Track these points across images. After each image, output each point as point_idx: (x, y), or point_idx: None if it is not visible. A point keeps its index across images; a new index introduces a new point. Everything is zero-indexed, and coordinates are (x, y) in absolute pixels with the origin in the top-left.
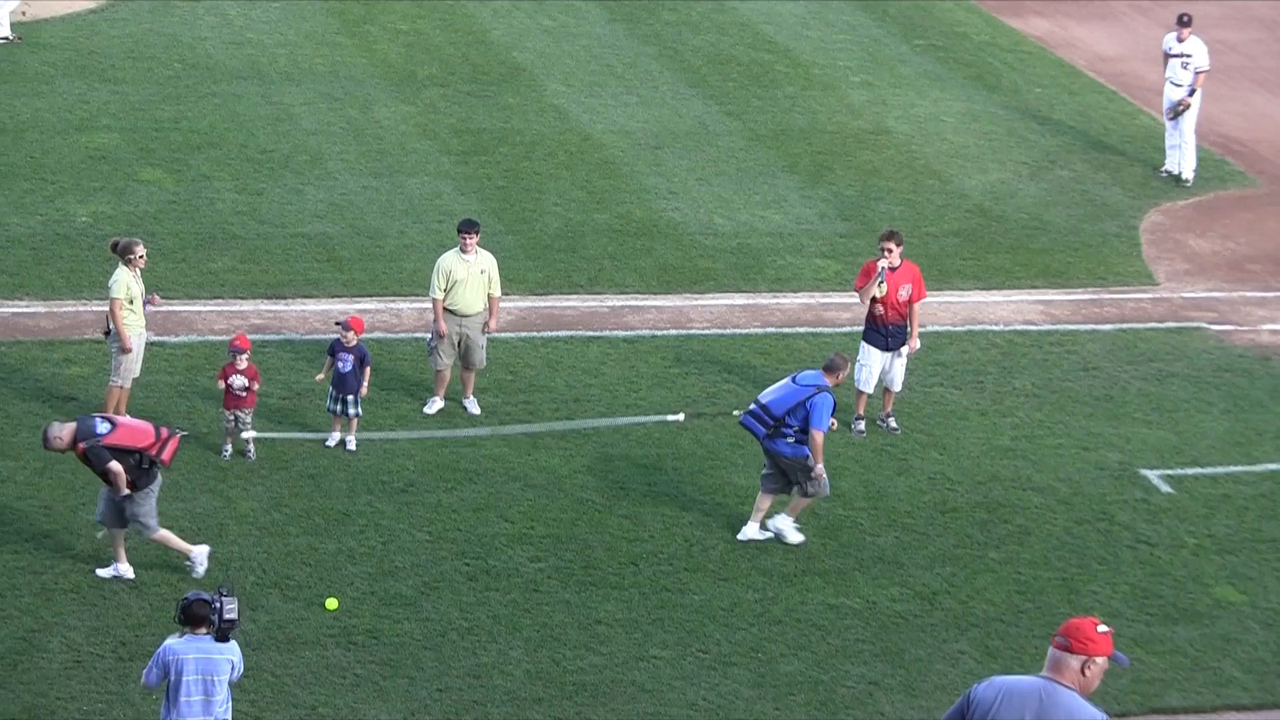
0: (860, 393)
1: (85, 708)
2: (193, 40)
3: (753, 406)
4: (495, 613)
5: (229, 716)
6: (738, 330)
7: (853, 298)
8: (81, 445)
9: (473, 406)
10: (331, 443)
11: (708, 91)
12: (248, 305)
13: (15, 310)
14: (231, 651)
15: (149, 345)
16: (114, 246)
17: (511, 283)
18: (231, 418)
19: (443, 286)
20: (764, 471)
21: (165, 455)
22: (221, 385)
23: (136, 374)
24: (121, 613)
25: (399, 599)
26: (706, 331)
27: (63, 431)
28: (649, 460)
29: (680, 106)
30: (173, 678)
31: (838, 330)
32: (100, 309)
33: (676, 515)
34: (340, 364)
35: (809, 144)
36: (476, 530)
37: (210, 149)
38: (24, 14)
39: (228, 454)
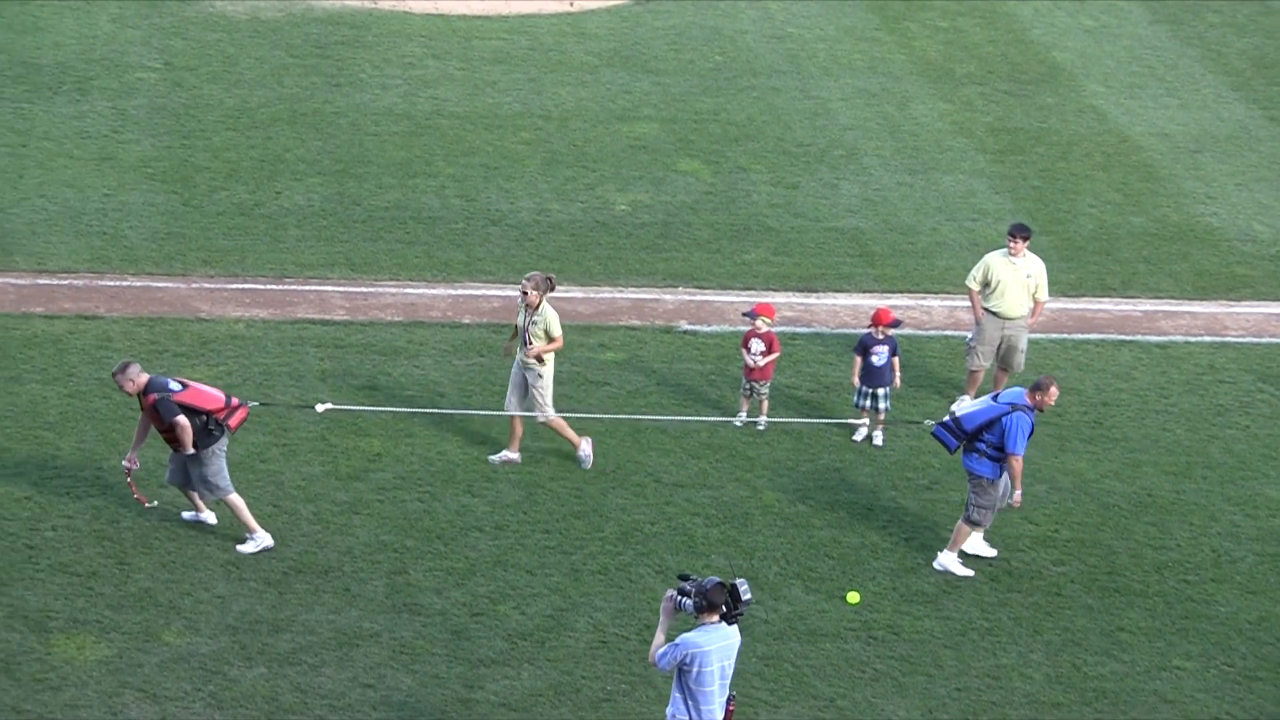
0: None
1: (609, 687)
2: (734, 33)
3: (946, 418)
4: (1016, 614)
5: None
6: (1274, 339)
7: None
8: (153, 397)
9: None
10: (859, 438)
11: (1251, 95)
12: (779, 297)
13: (554, 295)
14: (738, 634)
15: (681, 334)
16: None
17: None
18: (748, 387)
19: (979, 279)
20: None
21: (232, 421)
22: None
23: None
24: (647, 596)
25: (920, 596)
26: (1242, 339)
27: (139, 377)
28: (1177, 468)
29: (1221, 110)
30: (694, 670)
31: None
32: (635, 297)
33: (1204, 525)
34: (874, 357)
35: None
36: (1000, 531)
37: (747, 141)
38: (571, 5)
39: (739, 422)
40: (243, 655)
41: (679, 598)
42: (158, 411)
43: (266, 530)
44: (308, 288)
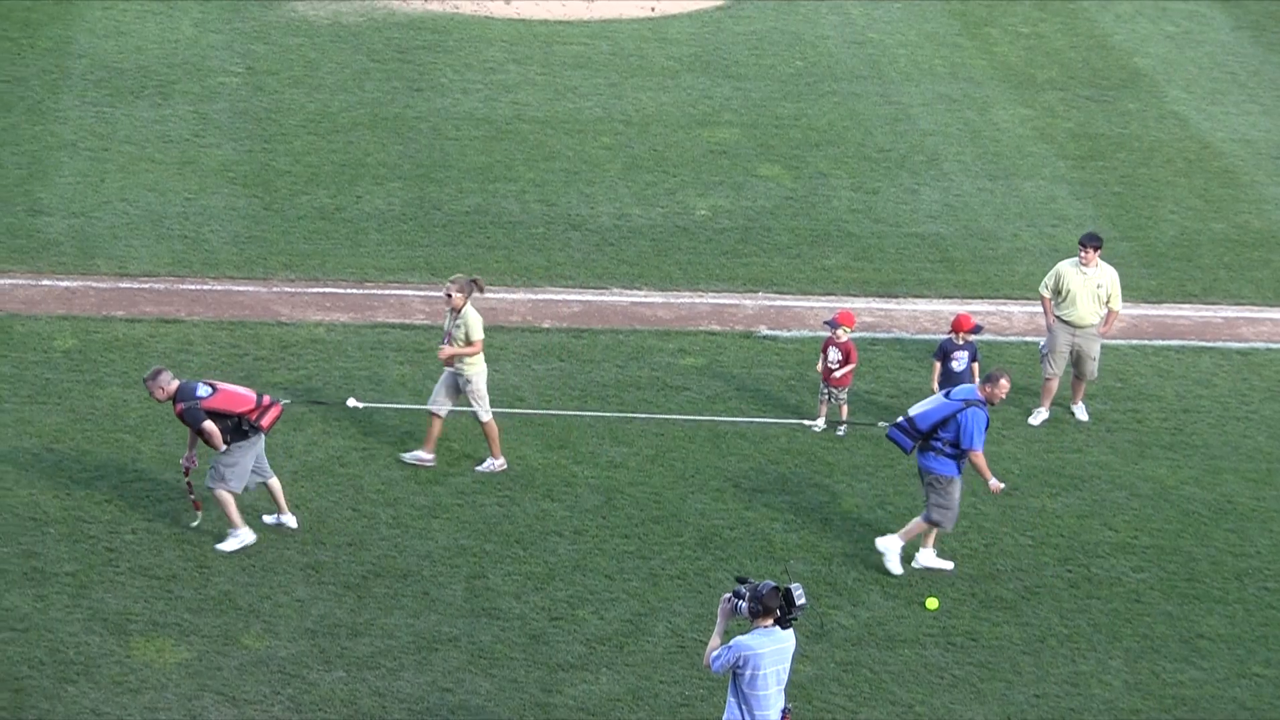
0: None
1: (687, 692)
2: (815, 38)
3: (900, 419)
4: (1095, 621)
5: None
6: None
7: None
8: (180, 406)
9: (1080, 413)
10: None
11: None
12: (859, 302)
13: (634, 299)
14: (793, 638)
15: (760, 339)
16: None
17: (1124, 289)
18: (827, 392)
19: (1050, 287)
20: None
21: (265, 421)
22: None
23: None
24: None
25: (999, 602)
26: None
27: (169, 385)
28: (1258, 475)
29: None
30: (747, 673)
31: None
32: (715, 302)
33: None
34: (954, 362)
35: None
36: (1080, 537)
37: (828, 146)
38: (653, 10)
39: (818, 427)
40: (322, 659)
41: (736, 600)
42: (185, 419)
43: (339, 539)
44: (388, 292)
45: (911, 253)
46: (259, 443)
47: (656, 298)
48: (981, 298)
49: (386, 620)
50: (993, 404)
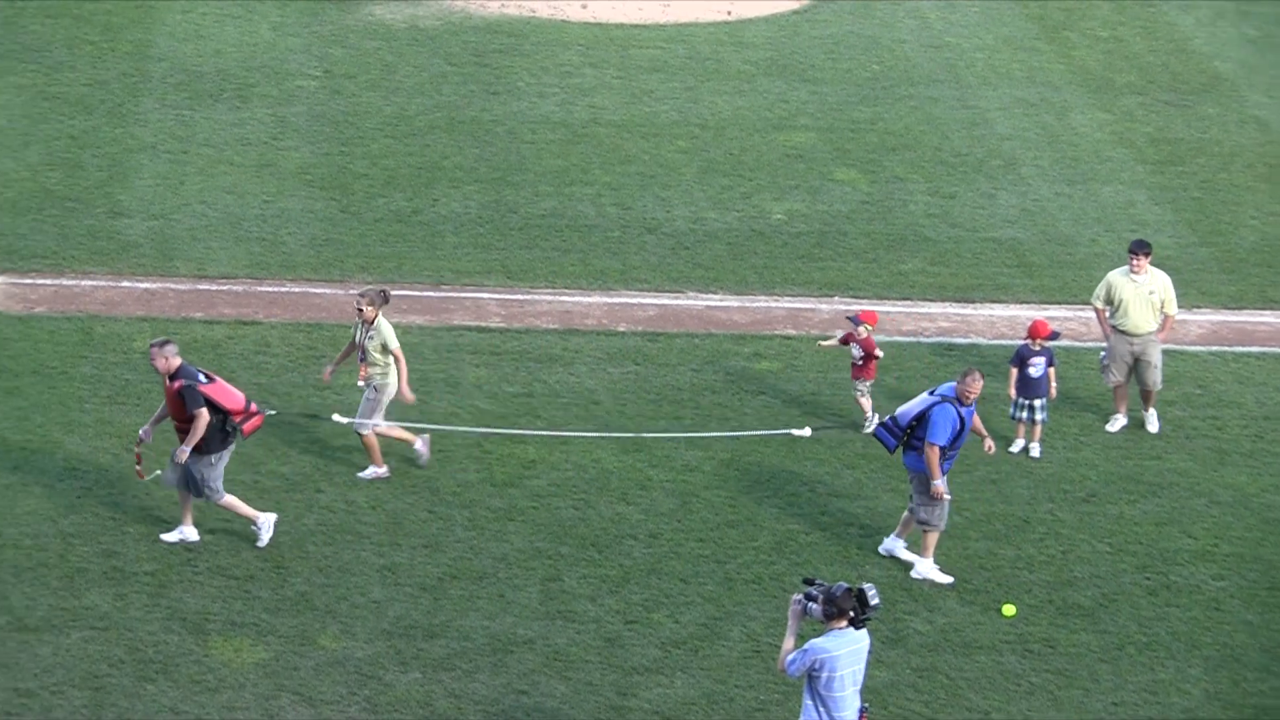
0: None
1: (762, 697)
2: (891, 42)
3: (887, 418)
4: (1174, 629)
5: None
6: None
7: None
8: (180, 383)
9: (1151, 423)
10: (1015, 449)
11: None
12: (935, 307)
13: (709, 303)
14: (867, 638)
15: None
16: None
17: (1204, 295)
18: (862, 388)
19: (1103, 297)
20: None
21: (246, 427)
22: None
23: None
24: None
25: (1077, 609)
26: None
27: (174, 359)
28: None
29: None
30: (823, 675)
31: None
32: (791, 306)
33: None
34: (1031, 368)
35: None
36: (1158, 544)
37: (905, 151)
38: (729, 14)
39: (868, 427)
40: (398, 660)
41: (806, 602)
42: (182, 399)
43: (415, 540)
44: (464, 295)
45: (988, 258)
46: (230, 448)
47: (732, 301)
48: (1059, 303)
49: (462, 622)
50: (964, 402)
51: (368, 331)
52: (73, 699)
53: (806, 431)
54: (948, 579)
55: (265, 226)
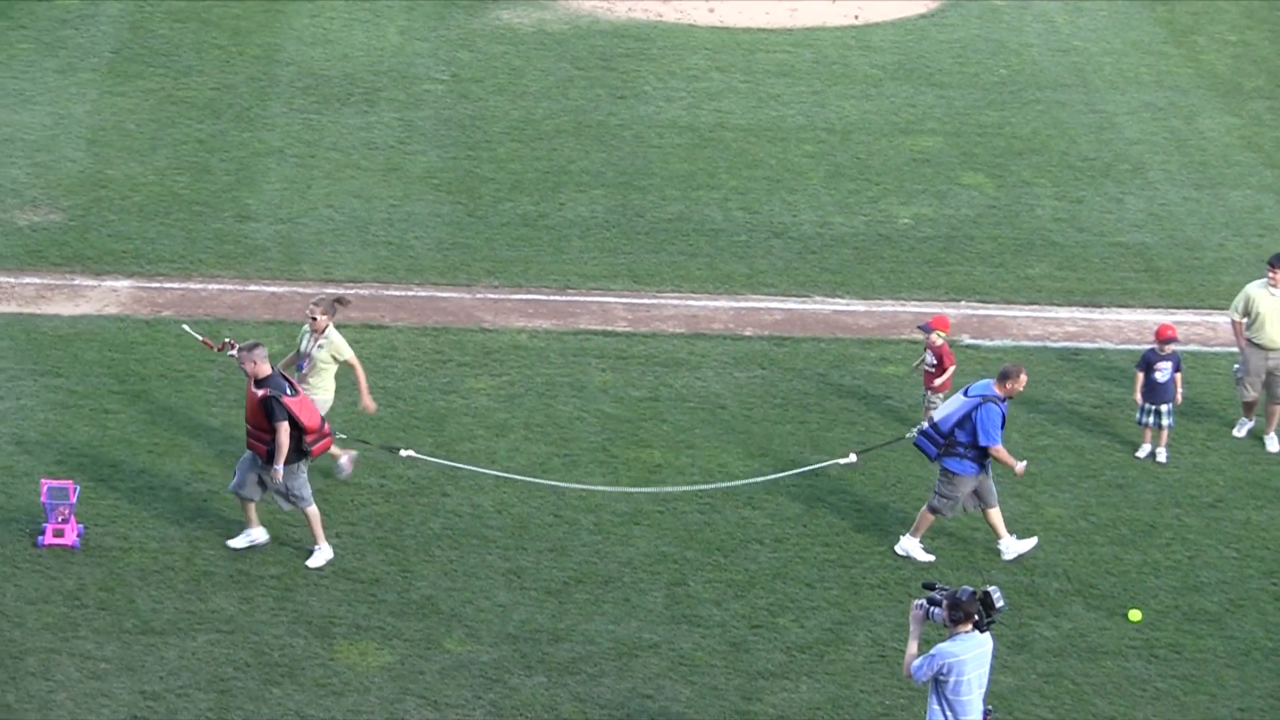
0: None
1: (887, 702)
2: (1019, 46)
3: (925, 426)
4: None
5: None
6: None
7: None
8: (265, 391)
9: (1271, 444)
10: (1142, 454)
11: None
12: (1063, 312)
13: (836, 307)
14: (991, 641)
15: (964, 348)
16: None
17: None
18: (935, 400)
19: (1240, 310)
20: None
21: (316, 448)
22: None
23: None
24: None
25: (1203, 615)
26: None
27: (263, 364)
28: None
29: None
30: (950, 680)
31: None
32: (918, 310)
33: None
34: (1157, 373)
35: None
36: None
37: (1032, 155)
38: (856, 18)
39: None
40: (523, 664)
41: (928, 607)
42: (266, 408)
43: (540, 544)
44: (590, 299)
45: (1116, 262)
46: (307, 461)
47: (859, 306)
48: (1186, 308)
49: (587, 626)
50: (1010, 398)
51: (317, 340)
52: (198, 702)
53: (853, 459)
54: (929, 557)
55: (392, 230)
